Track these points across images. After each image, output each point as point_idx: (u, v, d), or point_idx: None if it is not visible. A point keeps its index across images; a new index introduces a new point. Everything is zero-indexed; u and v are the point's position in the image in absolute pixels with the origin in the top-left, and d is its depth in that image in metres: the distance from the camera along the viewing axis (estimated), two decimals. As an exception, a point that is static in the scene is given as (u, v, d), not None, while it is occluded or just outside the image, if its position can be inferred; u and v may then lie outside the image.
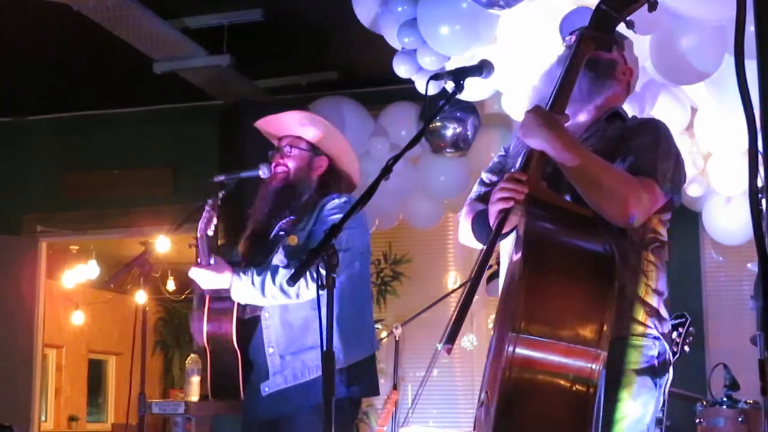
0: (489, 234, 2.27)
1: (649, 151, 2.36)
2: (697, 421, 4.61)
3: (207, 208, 3.35)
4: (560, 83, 2.38)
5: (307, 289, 3.09)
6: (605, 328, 2.04)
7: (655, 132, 2.44)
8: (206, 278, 3.20)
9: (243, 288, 3.18)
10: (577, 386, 2.03)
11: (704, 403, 4.65)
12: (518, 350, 2.02)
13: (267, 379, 3.24)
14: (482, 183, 2.69)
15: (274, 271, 3.15)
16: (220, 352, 3.29)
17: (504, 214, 2.24)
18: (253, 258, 3.31)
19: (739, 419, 4.45)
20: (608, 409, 2.29)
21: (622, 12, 2.37)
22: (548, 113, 2.35)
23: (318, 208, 3.30)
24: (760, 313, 4.07)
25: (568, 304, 2.09)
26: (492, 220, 2.28)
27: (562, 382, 2.04)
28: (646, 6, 2.40)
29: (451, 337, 2.05)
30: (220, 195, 3.37)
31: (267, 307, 3.25)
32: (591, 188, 2.30)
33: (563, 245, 2.20)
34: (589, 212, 2.28)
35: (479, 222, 2.45)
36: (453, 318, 2.06)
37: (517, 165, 2.44)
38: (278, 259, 3.23)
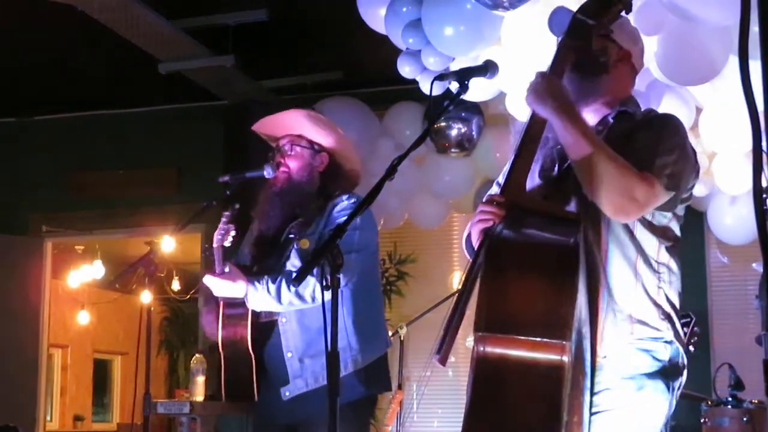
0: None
1: (650, 145, 2.34)
2: (702, 420, 4.60)
3: (224, 220, 3.35)
4: None
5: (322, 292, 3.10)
6: (568, 319, 2.04)
7: (660, 127, 2.42)
8: (221, 287, 3.20)
9: (259, 297, 3.18)
10: (543, 379, 2.03)
11: (709, 402, 4.64)
12: (481, 348, 2.05)
13: (287, 384, 3.24)
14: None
15: (289, 276, 3.14)
16: (235, 356, 3.28)
17: (485, 235, 2.25)
18: (264, 262, 3.30)
19: (744, 419, 4.44)
20: (622, 414, 2.29)
21: (598, 19, 2.37)
22: (560, 84, 2.37)
23: (327, 210, 3.30)
24: (765, 313, 4.07)
25: (526, 298, 2.10)
26: (474, 241, 2.30)
27: (527, 376, 2.04)
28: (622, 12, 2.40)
29: (440, 349, 2.11)
30: (236, 207, 3.37)
31: (284, 312, 3.25)
32: (588, 172, 2.28)
33: (521, 242, 2.22)
34: (573, 215, 2.30)
35: (469, 241, 2.45)
36: (441, 332, 2.12)
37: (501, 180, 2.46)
38: (292, 263, 3.22)
